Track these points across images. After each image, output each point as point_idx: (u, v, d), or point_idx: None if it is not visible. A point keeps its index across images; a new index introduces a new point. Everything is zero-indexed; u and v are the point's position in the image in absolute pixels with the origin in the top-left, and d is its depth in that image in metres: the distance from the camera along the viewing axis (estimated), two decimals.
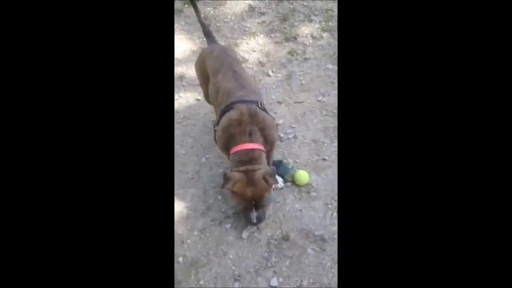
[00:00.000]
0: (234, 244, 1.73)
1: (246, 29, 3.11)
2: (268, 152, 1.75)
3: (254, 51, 2.89)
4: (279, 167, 1.93)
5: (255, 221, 1.68)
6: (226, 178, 1.60)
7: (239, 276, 1.60)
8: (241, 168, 1.59)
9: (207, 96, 2.09)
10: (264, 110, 1.75)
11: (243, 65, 2.76)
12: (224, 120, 1.69)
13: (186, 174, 2.05)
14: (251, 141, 1.64)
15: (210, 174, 2.06)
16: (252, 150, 1.63)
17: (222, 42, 2.99)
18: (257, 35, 3.02)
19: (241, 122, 1.64)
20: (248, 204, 1.64)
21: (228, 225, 1.80)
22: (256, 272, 1.61)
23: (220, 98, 1.80)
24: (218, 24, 3.16)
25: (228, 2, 3.34)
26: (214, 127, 1.81)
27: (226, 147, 1.72)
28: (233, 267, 1.64)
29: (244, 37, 3.02)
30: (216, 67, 1.88)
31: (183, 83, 2.63)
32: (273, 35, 3.01)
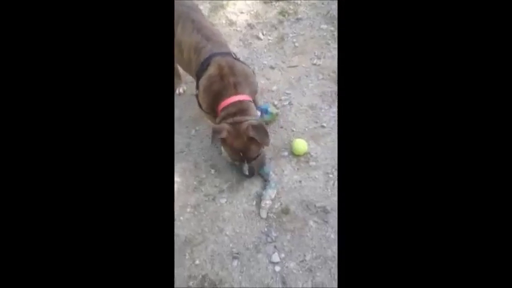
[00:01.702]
0: (231, 220, 1.62)
1: None
2: (254, 101, 1.71)
3: (242, 12, 2.67)
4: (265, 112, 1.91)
5: (246, 173, 1.65)
6: (214, 131, 1.56)
7: (237, 253, 1.50)
8: (228, 121, 1.56)
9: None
10: (238, 59, 1.70)
11: (231, 28, 2.56)
12: (204, 80, 1.62)
13: (175, 147, 1.90)
14: (237, 93, 1.59)
15: (201, 147, 1.91)
16: (240, 101, 1.59)
17: (207, 4, 2.76)
18: None
19: (222, 76, 1.59)
20: (237, 157, 1.61)
21: (223, 200, 1.68)
22: (255, 248, 1.51)
23: (186, 55, 1.71)
24: None
25: None
26: (196, 92, 1.70)
27: (212, 108, 1.65)
28: (231, 245, 1.53)
29: None
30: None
31: None
32: None
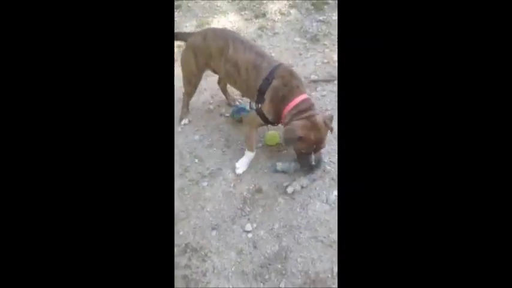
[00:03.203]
0: (211, 199, 1.85)
1: (217, 7, 3.20)
2: None
3: (225, 28, 2.99)
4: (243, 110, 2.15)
5: (314, 163, 1.79)
6: (290, 130, 1.67)
7: (216, 225, 1.73)
8: (303, 116, 1.68)
9: (191, 87, 2.14)
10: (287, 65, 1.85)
11: None
12: (269, 92, 1.75)
13: None
14: (302, 93, 1.75)
15: (186, 141, 2.16)
16: (307, 99, 1.74)
17: (193, 22, 3.08)
18: (228, 13, 3.12)
19: (286, 83, 1.73)
20: (310, 149, 1.73)
21: (205, 183, 1.92)
22: (232, 220, 1.75)
23: (244, 72, 1.83)
24: (189, 5, 3.25)
25: None
26: (253, 108, 1.83)
27: (278, 113, 1.77)
28: (210, 218, 1.76)
29: (216, 15, 3.12)
30: (220, 46, 1.89)
31: None
32: (243, 13, 3.12)
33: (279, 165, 1.89)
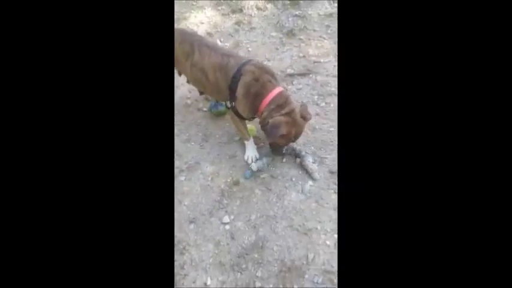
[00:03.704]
0: (189, 193, 1.87)
1: (194, 3, 3.20)
2: None
3: (202, 23, 3.00)
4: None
5: (284, 151, 1.84)
6: (275, 126, 1.64)
7: (194, 218, 1.75)
8: (283, 112, 1.66)
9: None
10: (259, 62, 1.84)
11: None
12: (241, 88, 1.73)
13: None
14: (276, 86, 1.73)
15: None
16: (282, 92, 1.72)
17: None
18: (204, 9, 3.12)
19: (257, 78, 1.71)
20: (288, 142, 1.75)
21: (183, 178, 1.93)
22: (209, 213, 1.77)
23: (212, 76, 1.82)
24: None
25: None
26: (228, 106, 1.84)
27: (254, 109, 1.76)
28: (188, 212, 1.78)
29: (193, 11, 3.12)
30: (186, 50, 1.90)
31: None
32: (219, 8, 3.12)
33: (254, 166, 1.89)
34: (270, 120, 1.68)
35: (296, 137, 1.76)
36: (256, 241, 1.64)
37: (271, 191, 1.83)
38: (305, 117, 1.74)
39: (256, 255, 1.59)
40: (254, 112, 1.79)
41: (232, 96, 1.79)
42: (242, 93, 1.74)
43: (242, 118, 1.87)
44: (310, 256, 1.55)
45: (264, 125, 1.75)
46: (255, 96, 1.73)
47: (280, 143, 1.78)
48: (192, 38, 1.94)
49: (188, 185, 1.90)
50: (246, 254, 1.60)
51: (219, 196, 1.83)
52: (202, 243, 1.66)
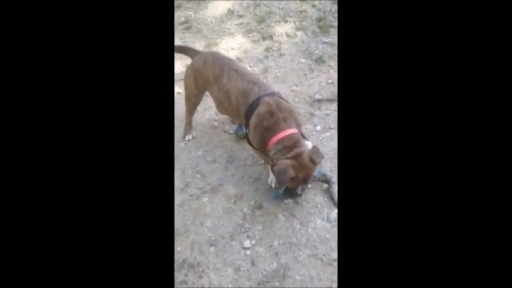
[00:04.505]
0: (211, 215, 1.84)
1: (225, 30, 3.29)
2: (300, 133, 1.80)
3: (233, 49, 3.07)
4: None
5: (300, 192, 1.76)
6: (281, 170, 1.60)
7: (214, 241, 1.71)
8: (289, 155, 1.63)
9: (191, 106, 2.19)
10: (281, 97, 1.82)
11: None
12: (254, 118, 1.72)
13: None
14: (288, 127, 1.68)
15: (189, 157, 2.17)
16: (292, 134, 1.67)
17: (202, 42, 3.17)
18: (235, 35, 3.21)
19: (272, 113, 1.69)
20: (298, 185, 1.70)
21: (206, 199, 1.91)
22: (231, 237, 1.72)
23: (234, 101, 1.83)
24: (199, 26, 3.35)
25: (209, 6, 3.55)
26: (245, 130, 1.83)
27: (262, 142, 1.74)
28: (209, 234, 1.74)
29: (224, 37, 3.21)
30: (216, 73, 1.91)
31: None
32: (250, 35, 3.20)
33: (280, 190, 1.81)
34: (276, 165, 1.64)
35: (305, 181, 1.71)
36: (278, 269, 1.57)
37: (295, 217, 1.77)
38: (314, 161, 1.66)
39: (277, 284, 1.51)
40: (262, 145, 1.76)
41: (246, 124, 1.79)
42: (254, 123, 1.74)
43: (253, 147, 1.85)
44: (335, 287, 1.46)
45: (272, 166, 1.72)
46: (266, 130, 1.71)
47: (290, 187, 1.71)
48: (223, 61, 1.97)
49: (210, 207, 1.87)
50: (267, 282, 1.53)
51: (241, 219, 1.79)
52: (222, 268, 1.60)
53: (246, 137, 1.85)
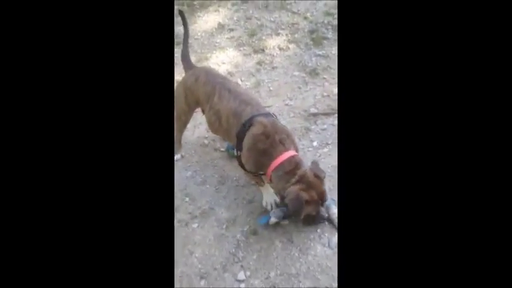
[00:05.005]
0: (201, 243, 1.68)
1: (216, 44, 3.19)
2: None
3: (224, 63, 2.96)
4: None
5: (326, 214, 1.62)
6: (294, 199, 1.47)
7: (205, 273, 1.55)
8: (293, 180, 1.51)
9: (181, 123, 2.04)
10: (277, 119, 1.71)
11: None
12: (248, 139, 1.59)
13: None
14: (286, 150, 1.56)
15: (177, 178, 2.02)
16: (291, 157, 1.54)
17: (192, 57, 3.04)
18: (226, 49, 3.10)
19: (268, 135, 1.56)
20: (318, 206, 1.56)
21: (195, 225, 1.76)
22: (223, 268, 1.56)
23: (225, 121, 1.71)
24: (189, 41, 3.24)
25: (198, 20, 3.45)
26: (236, 153, 1.70)
27: (259, 166, 1.61)
28: (199, 265, 1.58)
29: (214, 51, 3.10)
30: (207, 91, 1.79)
31: None
32: (241, 48, 3.10)
33: (273, 217, 1.65)
34: (286, 198, 1.49)
35: (322, 199, 1.55)
36: None
37: (293, 243, 1.62)
38: (319, 177, 1.54)
39: None
40: (258, 169, 1.62)
41: (238, 145, 1.65)
42: (249, 144, 1.59)
43: (245, 170, 1.70)
44: None
45: (282, 199, 1.57)
46: (261, 154, 1.57)
47: (310, 212, 1.54)
48: (216, 80, 1.83)
49: (201, 234, 1.72)
50: None
51: (234, 247, 1.63)
52: None
53: (237, 160, 1.70)
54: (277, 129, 1.59)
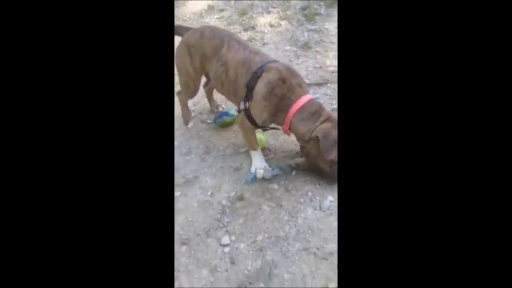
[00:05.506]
0: (184, 210, 1.56)
1: (205, 24, 3.10)
2: None
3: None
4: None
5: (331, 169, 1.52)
6: (326, 135, 1.39)
7: (187, 239, 1.43)
8: (322, 119, 1.44)
9: (190, 92, 1.91)
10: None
11: None
12: (262, 87, 1.48)
13: None
14: (305, 93, 1.49)
15: None
16: (311, 99, 1.48)
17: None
18: None
19: (284, 80, 1.47)
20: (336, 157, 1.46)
21: (178, 193, 1.64)
22: (206, 233, 1.45)
23: (232, 73, 1.59)
24: (177, 23, 3.16)
25: (187, 3, 3.38)
26: (240, 108, 1.58)
27: (275, 114, 1.51)
28: (181, 232, 1.47)
29: None
30: (215, 45, 1.67)
31: None
32: (231, 27, 3.01)
33: (260, 173, 1.57)
34: (316, 133, 1.40)
35: None
36: (263, 267, 1.29)
37: (282, 207, 1.50)
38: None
39: (262, 285, 1.24)
40: (273, 119, 1.52)
41: (248, 96, 1.53)
42: (263, 92, 1.48)
43: (254, 124, 1.58)
44: (331, 286, 1.18)
45: (305, 144, 1.48)
46: (280, 100, 1.47)
47: (334, 158, 1.43)
48: (223, 33, 1.74)
49: (183, 201, 1.60)
50: (249, 283, 1.25)
51: (219, 213, 1.52)
52: (195, 269, 1.32)
53: (245, 114, 1.56)
54: (293, 73, 1.53)
